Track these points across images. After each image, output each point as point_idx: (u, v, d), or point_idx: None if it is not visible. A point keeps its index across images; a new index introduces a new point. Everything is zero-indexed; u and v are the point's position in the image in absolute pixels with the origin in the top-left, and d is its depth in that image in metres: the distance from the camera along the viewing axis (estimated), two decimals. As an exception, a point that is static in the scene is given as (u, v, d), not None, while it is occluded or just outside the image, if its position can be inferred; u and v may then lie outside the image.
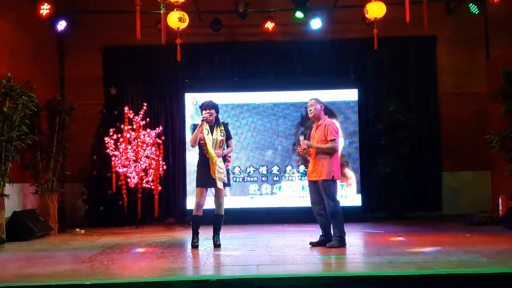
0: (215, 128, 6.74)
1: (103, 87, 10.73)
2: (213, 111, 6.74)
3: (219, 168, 6.61)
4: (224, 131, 6.80)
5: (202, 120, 6.64)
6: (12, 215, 8.00)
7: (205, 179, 6.63)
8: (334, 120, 7.22)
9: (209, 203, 6.91)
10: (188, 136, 8.33)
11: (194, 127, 6.76)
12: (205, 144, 6.61)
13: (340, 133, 7.94)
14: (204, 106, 6.79)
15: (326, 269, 5.41)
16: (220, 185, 6.60)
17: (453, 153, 10.65)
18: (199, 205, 6.67)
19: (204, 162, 6.67)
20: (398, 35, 10.55)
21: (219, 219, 6.77)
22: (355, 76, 10.54)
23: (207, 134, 6.65)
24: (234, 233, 8.20)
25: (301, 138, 6.76)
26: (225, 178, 6.69)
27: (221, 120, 6.94)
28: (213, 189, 6.78)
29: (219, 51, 10.91)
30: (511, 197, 8.83)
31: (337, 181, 6.61)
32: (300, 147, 6.66)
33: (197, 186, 6.74)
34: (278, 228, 8.92)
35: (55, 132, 8.93)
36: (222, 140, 6.75)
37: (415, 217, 10.21)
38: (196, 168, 6.84)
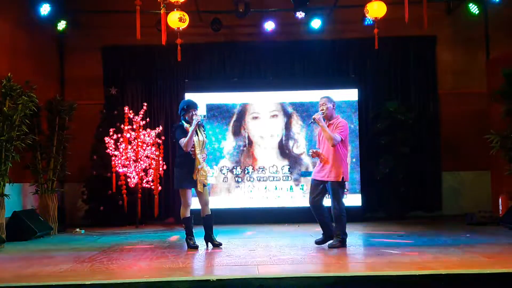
0: (198, 129, 6.65)
1: (103, 87, 10.73)
2: (196, 111, 6.68)
3: (203, 172, 6.59)
4: (204, 132, 6.77)
5: (198, 123, 6.54)
6: (12, 215, 8.00)
7: (188, 180, 6.57)
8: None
9: (195, 204, 6.89)
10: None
11: (181, 129, 6.59)
12: (194, 146, 6.55)
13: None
14: (190, 107, 6.66)
15: (326, 269, 5.40)
16: (200, 188, 6.57)
17: (453, 153, 10.64)
18: (188, 206, 6.65)
19: (189, 163, 6.57)
20: (398, 35, 10.54)
21: (210, 219, 6.75)
22: (355, 76, 10.53)
23: (195, 137, 6.57)
24: (233, 233, 8.20)
25: (312, 151, 6.70)
26: (206, 181, 6.66)
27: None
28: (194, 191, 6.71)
29: (219, 51, 10.91)
30: (511, 197, 8.83)
31: (346, 182, 6.61)
32: (312, 151, 6.64)
33: (181, 187, 6.62)
34: (278, 228, 8.92)
35: (55, 132, 8.93)
36: (205, 141, 6.72)
37: (415, 217, 10.21)
38: (176, 168, 6.69)
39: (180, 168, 6.64)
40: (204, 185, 6.64)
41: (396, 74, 10.88)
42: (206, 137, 6.79)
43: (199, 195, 6.67)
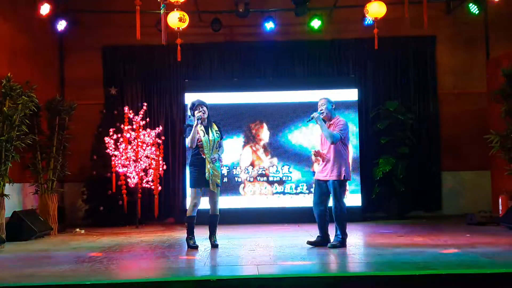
0: (209, 129, 6.67)
1: (103, 87, 10.73)
2: (205, 108, 6.65)
3: (214, 172, 6.59)
4: (218, 131, 6.75)
5: (198, 120, 6.53)
6: (12, 215, 8.00)
7: (200, 179, 6.58)
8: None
9: (203, 203, 6.88)
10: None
11: (189, 128, 6.63)
12: (202, 145, 6.57)
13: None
14: (196, 105, 6.66)
15: (326, 269, 5.40)
16: (213, 187, 6.58)
17: (453, 153, 10.65)
18: (195, 205, 6.64)
19: (200, 162, 6.59)
20: (398, 35, 10.56)
21: (215, 220, 6.75)
22: (355, 76, 10.54)
23: (204, 136, 6.57)
24: (233, 233, 8.20)
25: (314, 151, 6.70)
26: (219, 181, 6.67)
27: (212, 119, 6.86)
28: (206, 190, 6.72)
29: (219, 51, 10.91)
30: (511, 197, 8.83)
31: (347, 181, 6.61)
32: (314, 151, 6.64)
33: (192, 186, 6.67)
34: (278, 228, 8.92)
35: (55, 132, 8.93)
36: (218, 141, 6.70)
37: (415, 217, 10.21)
38: (189, 167, 6.76)
39: (193, 167, 6.67)
40: (217, 185, 6.65)
41: (396, 74, 10.88)
42: (221, 137, 6.77)
43: (211, 194, 6.68)
